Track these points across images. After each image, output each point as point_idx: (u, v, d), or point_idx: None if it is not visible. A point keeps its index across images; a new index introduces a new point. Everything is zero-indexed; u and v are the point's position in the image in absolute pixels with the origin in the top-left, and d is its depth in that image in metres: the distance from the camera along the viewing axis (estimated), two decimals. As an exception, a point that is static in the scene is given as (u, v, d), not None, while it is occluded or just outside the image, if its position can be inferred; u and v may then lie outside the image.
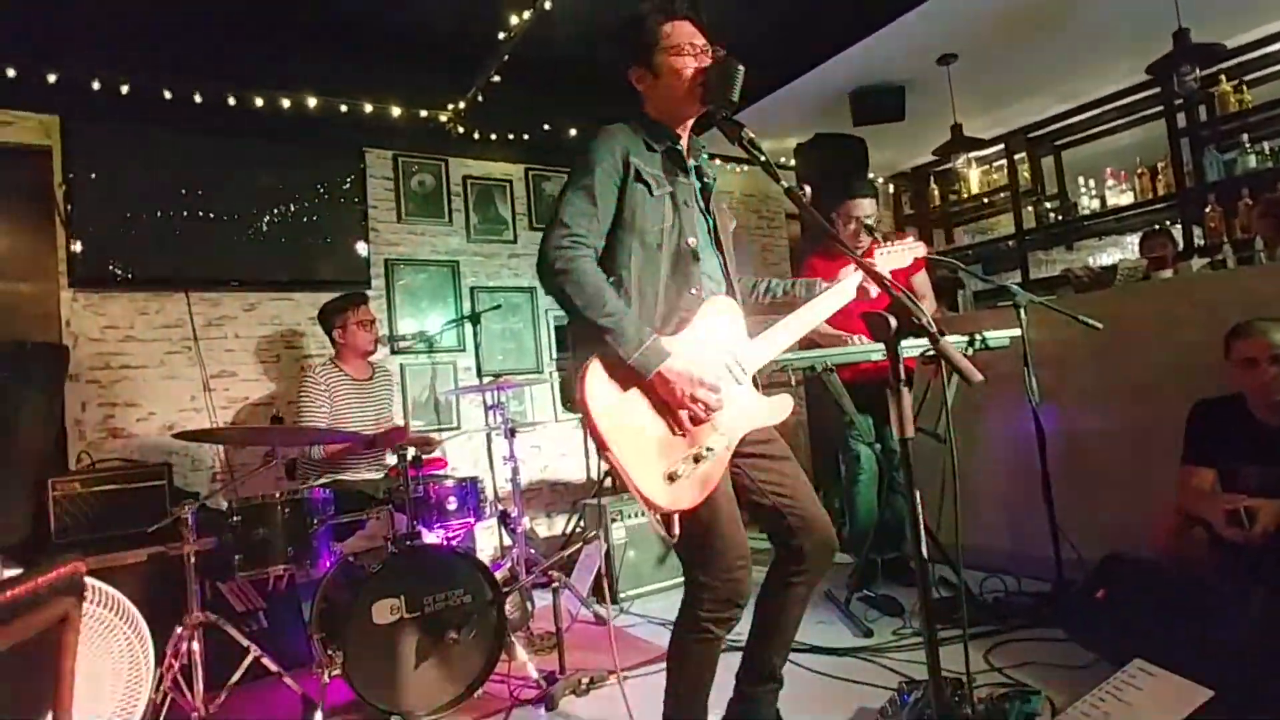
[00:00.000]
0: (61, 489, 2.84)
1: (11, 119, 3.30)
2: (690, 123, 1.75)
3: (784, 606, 1.76)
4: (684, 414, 1.51)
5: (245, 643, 2.35)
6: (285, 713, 2.41)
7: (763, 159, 1.53)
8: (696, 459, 1.52)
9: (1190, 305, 2.72)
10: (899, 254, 2.08)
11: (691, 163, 1.75)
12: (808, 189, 1.58)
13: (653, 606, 3.28)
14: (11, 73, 3.18)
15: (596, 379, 1.49)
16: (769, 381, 1.79)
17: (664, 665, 1.69)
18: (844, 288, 1.85)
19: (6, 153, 3.31)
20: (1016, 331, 2.79)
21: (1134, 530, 2.48)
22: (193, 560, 2.30)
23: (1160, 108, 4.71)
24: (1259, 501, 2.07)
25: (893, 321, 1.28)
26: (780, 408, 1.68)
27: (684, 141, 1.75)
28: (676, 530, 1.51)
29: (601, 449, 1.48)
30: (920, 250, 2.13)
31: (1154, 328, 2.81)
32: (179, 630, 2.27)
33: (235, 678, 2.34)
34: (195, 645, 2.23)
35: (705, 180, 1.78)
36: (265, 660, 2.35)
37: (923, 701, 1.93)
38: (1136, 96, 4.82)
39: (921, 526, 1.28)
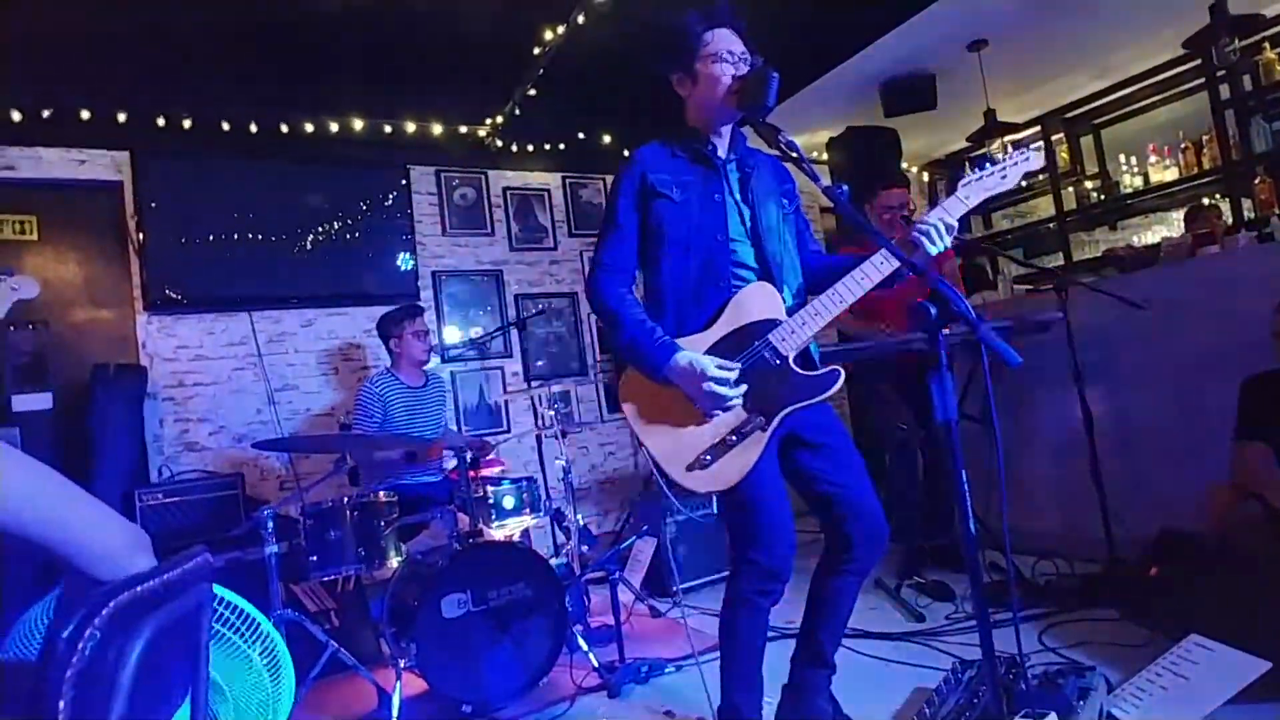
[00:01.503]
0: (147, 500, 3.05)
1: (86, 157, 3.54)
2: (728, 129, 1.83)
3: (835, 593, 1.80)
4: (701, 405, 1.63)
5: (323, 639, 2.49)
6: (362, 704, 2.55)
7: (801, 160, 1.59)
8: (727, 444, 1.63)
9: (1238, 280, 2.69)
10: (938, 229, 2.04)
11: (732, 156, 1.82)
12: (845, 188, 1.61)
13: (704, 599, 3.36)
14: (86, 115, 3.41)
15: (629, 385, 1.72)
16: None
17: (719, 653, 1.77)
18: (882, 257, 1.74)
19: (83, 189, 3.56)
20: (1059, 314, 2.80)
21: (1186, 508, 2.47)
22: (273, 561, 2.46)
23: (1202, 80, 4.60)
24: None
25: (933, 310, 1.34)
26: (828, 380, 1.68)
27: (724, 140, 1.82)
28: (715, 508, 1.65)
29: (640, 445, 1.67)
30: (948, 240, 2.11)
31: (1201, 304, 2.78)
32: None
33: (315, 672, 2.50)
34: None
35: (746, 170, 1.83)
36: (342, 655, 2.49)
37: (977, 679, 1.97)
38: (1176, 70, 4.72)
39: (969, 507, 1.33)
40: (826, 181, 1.58)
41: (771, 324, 1.71)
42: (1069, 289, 2.80)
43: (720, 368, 1.63)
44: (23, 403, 3.17)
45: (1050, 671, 1.94)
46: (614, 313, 1.72)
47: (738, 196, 1.80)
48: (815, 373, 1.70)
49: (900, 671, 2.34)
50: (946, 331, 1.36)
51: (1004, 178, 1.83)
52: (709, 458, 1.60)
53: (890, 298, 2.42)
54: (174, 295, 3.56)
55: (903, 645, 2.54)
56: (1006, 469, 3.37)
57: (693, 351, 1.65)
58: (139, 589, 0.85)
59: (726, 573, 1.80)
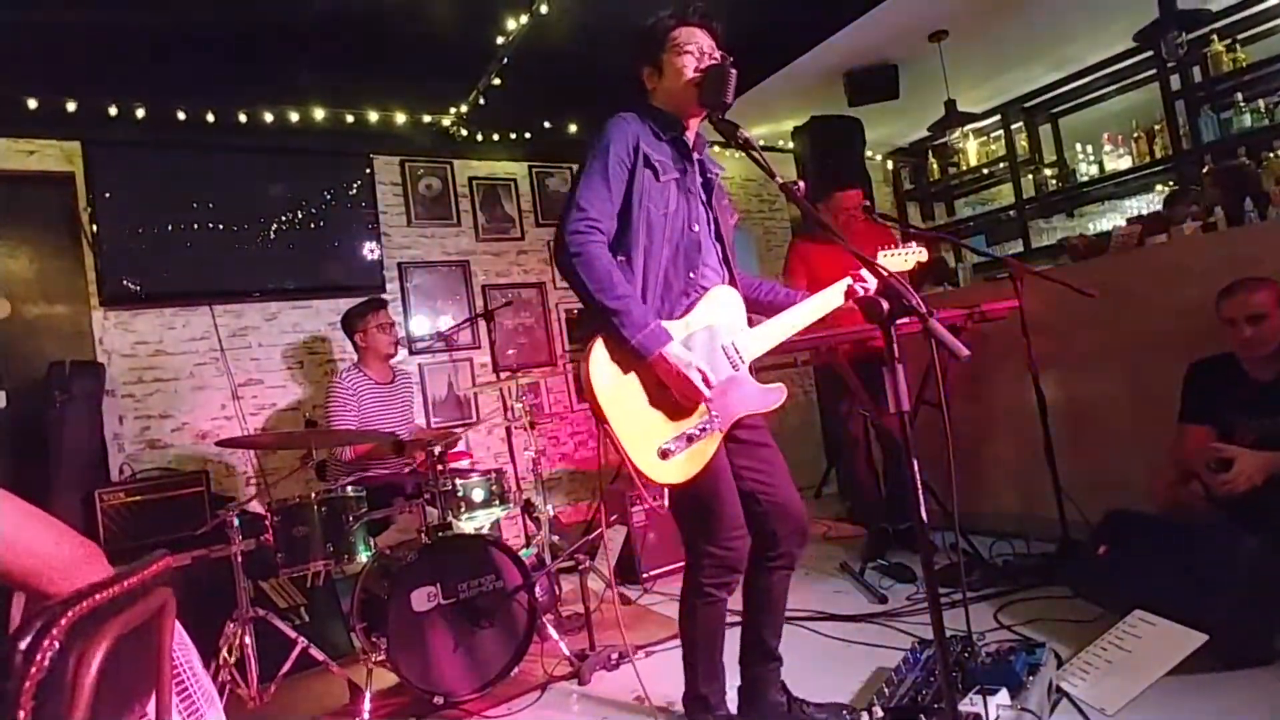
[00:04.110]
0: (108, 500, 2.99)
1: (35, 148, 3.44)
2: (696, 122, 1.84)
3: (768, 589, 1.86)
4: (679, 396, 1.62)
5: (293, 635, 2.49)
6: (334, 699, 2.55)
7: (758, 157, 1.62)
8: (690, 438, 1.64)
9: (1183, 269, 2.79)
10: (900, 259, 2.20)
11: (696, 157, 1.84)
12: (801, 184, 1.65)
13: (674, 585, 3.41)
14: (33, 104, 3.30)
15: (600, 358, 1.62)
16: (774, 364, 1.89)
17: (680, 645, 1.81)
18: (834, 290, 1.90)
19: (33, 181, 3.45)
20: (1014, 302, 2.88)
21: (1136, 489, 2.57)
22: (239, 560, 2.44)
23: (1153, 71, 4.73)
24: (1235, 449, 2.17)
25: (885, 304, 1.38)
26: (775, 395, 1.77)
27: (690, 136, 1.84)
28: (667, 502, 1.65)
29: (600, 423, 1.60)
30: (922, 256, 2.26)
31: (1150, 292, 2.88)
32: (230, 626, 2.42)
33: (286, 669, 2.50)
34: (248, 639, 2.38)
35: (708, 176, 1.87)
36: (312, 651, 2.49)
37: (934, 658, 2.04)
38: (1129, 62, 4.85)
39: (920, 494, 1.38)
40: (783, 178, 1.61)
41: (737, 330, 1.76)
42: (1024, 277, 2.88)
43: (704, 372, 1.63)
44: (-27, 401, 3.08)
45: (1002, 649, 2.01)
46: (605, 272, 1.58)
47: (704, 198, 1.82)
48: (766, 386, 1.77)
49: (861, 652, 2.41)
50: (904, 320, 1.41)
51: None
52: (672, 448, 1.61)
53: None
54: (131, 289, 3.48)
55: (865, 627, 2.61)
56: (966, 452, 3.48)
57: (678, 345, 1.63)
58: (97, 596, 0.85)
59: (655, 504, 1.85)
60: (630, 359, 1.61)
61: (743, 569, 1.74)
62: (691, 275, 1.74)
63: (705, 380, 1.60)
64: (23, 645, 0.74)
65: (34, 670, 0.74)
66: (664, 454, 1.60)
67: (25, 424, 3.15)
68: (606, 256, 1.62)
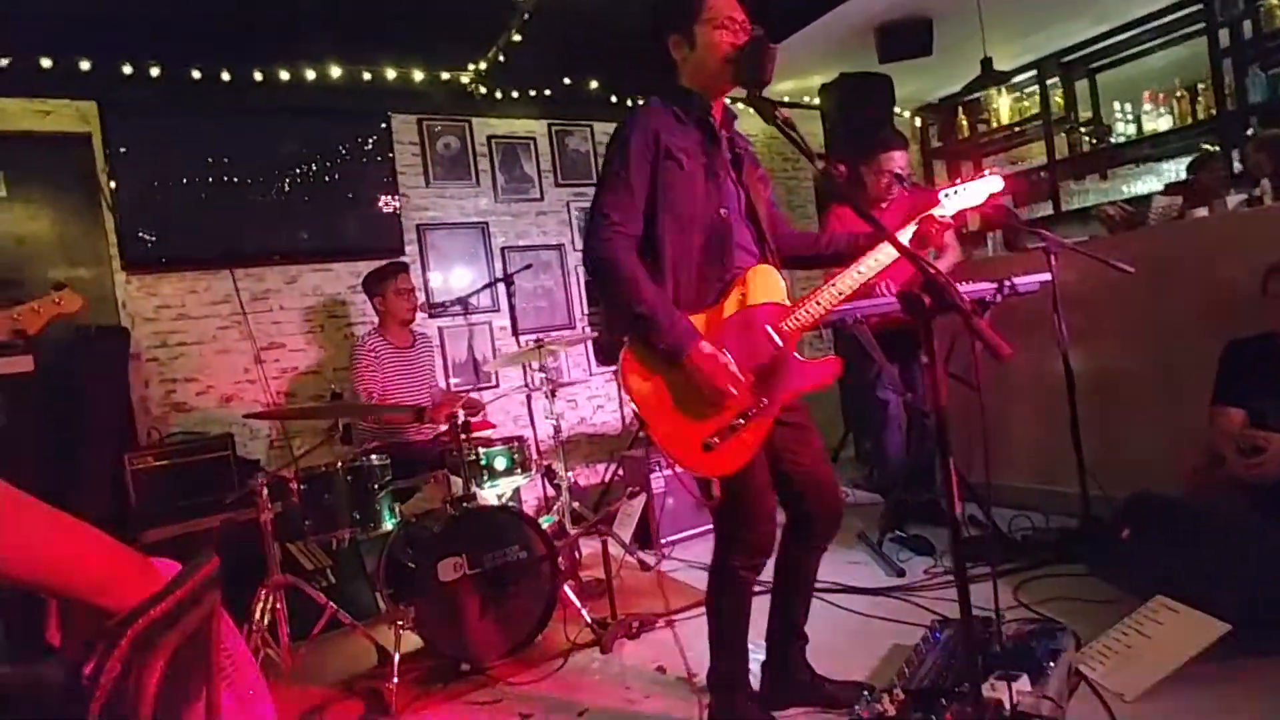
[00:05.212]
0: (137, 464, 3.05)
1: (50, 108, 3.39)
2: (724, 97, 1.78)
3: (799, 567, 1.88)
4: (709, 395, 1.60)
5: (322, 601, 2.56)
6: (362, 660, 2.63)
7: (797, 138, 1.55)
8: (732, 429, 1.63)
9: (1225, 244, 2.71)
10: (970, 193, 1.85)
11: (724, 134, 1.79)
12: (842, 168, 1.58)
13: (694, 550, 3.46)
14: (46, 63, 3.25)
15: (633, 362, 1.62)
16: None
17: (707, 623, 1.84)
18: (888, 249, 1.76)
19: (49, 141, 3.42)
20: (1046, 276, 2.81)
21: (1162, 469, 2.55)
22: (270, 529, 2.50)
23: (1202, 25, 4.51)
24: (1269, 434, 2.13)
25: (926, 299, 1.34)
26: (827, 368, 1.73)
27: (716, 113, 1.78)
28: (716, 493, 1.64)
29: (644, 425, 1.61)
30: (998, 184, 1.86)
31: (1188, 267, 2.81)
32: (262, 591, 2.48)
33: (316, 631, 2.58)
34: (279, 605, 2.45)
35: (737, 151, 1.82)
36: (341, 615, 2.57)
37: (954, 639, 2.07)
38: (1176, 15, 4.62)
39: (954, 486, 1.36)
40: (821, 159, 1.55)
41: (777, 309, 1.72)
42: (1058, 252, 2.80)
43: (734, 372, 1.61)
44: (4, 365, 3.11)
45: (1023, 631, 2.03)
46: (631, 279, 1.59)
47: (734, 175, 1.77)
48: (815, 361, 1.74)
49: (879, 627, 2.44)
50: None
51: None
52: (717, 440, 1.60)
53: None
54: (152, 252, 3.48)
55: (883, 600, 2.64)
56: (987, 423, 3.44)
57: (707, 345, 1.60)
58: (154, 613, 0.87)
59: (710, 526, 1.86)
60: (662, 359, 1.61)
61: (772, 551, 1.75)
62: (725, 261, 1.70)
63: (735, 380, 1.59)
64: (88, 671, 0.76)
65: (99, 694, 0.76)
66: (708, 447, 1.60)
67: (53, 388, 3.19)
68: (633, 260, 1.61)
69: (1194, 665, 1.83)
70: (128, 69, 3.39)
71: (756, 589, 1.81)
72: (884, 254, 1.76)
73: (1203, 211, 2.80)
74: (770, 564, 1.84)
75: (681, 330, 1.57)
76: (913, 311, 1.37)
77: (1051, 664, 1.84)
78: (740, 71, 1.66)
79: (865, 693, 1.92)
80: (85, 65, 3.31)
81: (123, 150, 3.42)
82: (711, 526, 1.85)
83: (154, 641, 0.86)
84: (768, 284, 1.74)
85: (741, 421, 1.62)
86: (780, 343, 1.70)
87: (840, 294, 1.73)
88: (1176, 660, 1.85)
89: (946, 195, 1.86)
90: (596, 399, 4.75)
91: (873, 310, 2.73)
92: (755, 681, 1.92)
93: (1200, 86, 4.58)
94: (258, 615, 2.47)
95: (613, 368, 4.63)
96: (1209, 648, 1.84)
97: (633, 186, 1.64)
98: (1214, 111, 4.48)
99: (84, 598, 0.89)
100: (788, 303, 1.74)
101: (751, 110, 1.69)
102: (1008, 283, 2.79)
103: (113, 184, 3.41)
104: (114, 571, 0.91)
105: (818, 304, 1.73)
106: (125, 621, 0.83)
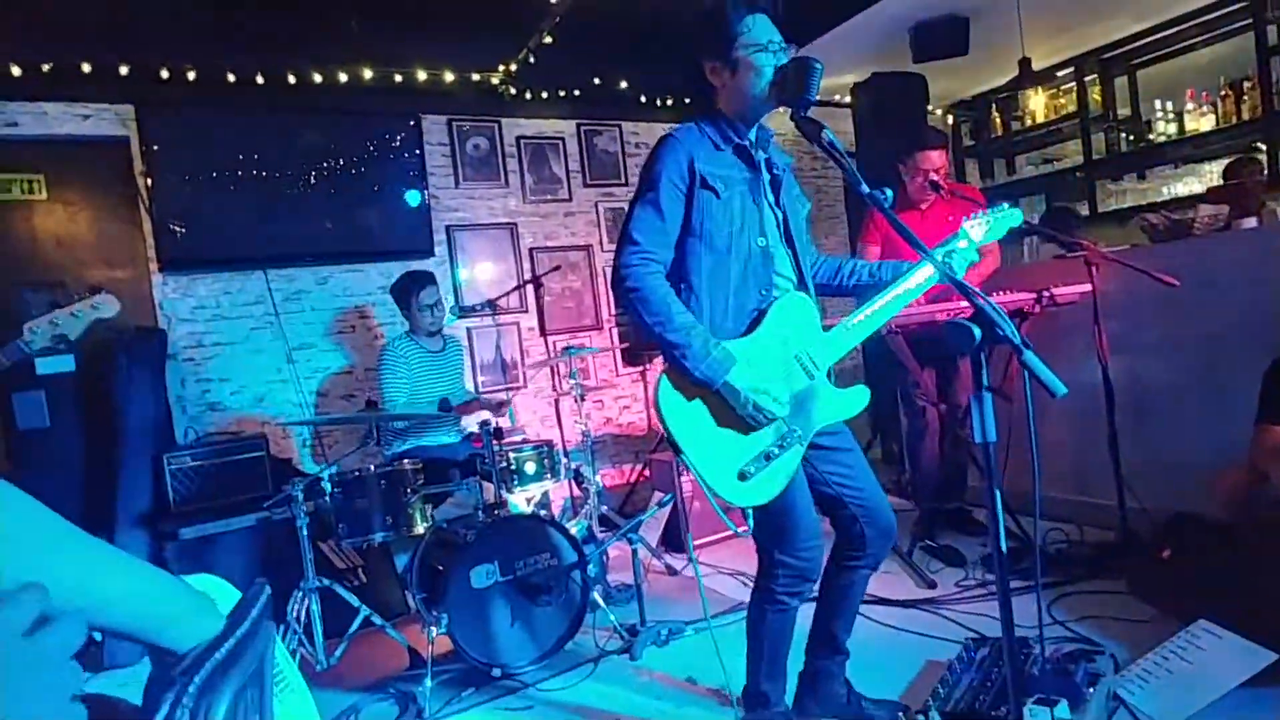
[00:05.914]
0: (175, 465, 3.11)
1: (90, 112, 3.45)
2: (764, 118, 1.76)
3: (848, 586, 1.87)
4: (750, 421, 1.60)
5: (356, 603, 2.60)
6: (394, 661, 2.67)
7: (844, 162, 1.53)
8: (768, 456, 1.62)
9: (1274, 255, 2.64)
10: (991, 225, 1.91)
11: (760, 155, 1.77)
12: (888, 192, 1.55)
13: (720, 554, 3.46)
14: (86, 68, 3.30)
15: (667, 390, 1.61)
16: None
17: (736, 613, 1.84)
18: (926, 271, 1.78)
19: (88, 144, 3.47)
20: (1087, 286, 2.76)
21: (1201, 485, 2.49)
22: (305, 533, 2.54)
23: (1249, 21, 4.38)
24: None
25: (976, 332, 1.32)
26: (856, 400, 1.74)
27: (753, 134, 1.76)
28: (750, 524, 1.65)
29: (677, 453, 1.60)
30: (1017, 219, 1.96)
31: (1234, 279, 2.74)
32: (298, 594, 2.53)
33: (351, 632, 2.62)
34: (315, 607, 2.50)
35: (775, 172, 1.80)
36: (373, 617, 2.60)
37: (990, 659, 2.05)
38: (1223, 11, 4.48)
39: (1000, 524, 1.35)
40: (867, 188, 1.52)
41: (810, 338, 1.71)
42: (1099, 263, 2.75)
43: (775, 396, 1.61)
44: (46, 366, 3.19)
45: (1061, 654, 2.01)
46: (663, 307, 1.58)
47: (771, 199, 1.75)
48: (845, 389, 1.73)
49: (911, 642, 2.42)
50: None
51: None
52: (753, 469, 1.60)
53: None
54: (189, 254, 3.53)
55: (915, 613, 2.62)
56: (1020, 429, 3.39)
57: (748, 367, 1.60)
58: (218, 655, 0.88)
59: (740, 530, 1.85)
60: (697, 387, 1.60)
61: (816, 578, 1.75)
62: (764, 292, 1.69)
63: (770, 408, 1.58)
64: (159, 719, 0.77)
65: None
66: (743, 475, 1.59)
67: (94, 387, 3.26)
68: (664, 287, 1.60)
69: (1237, 693, 1.80)
70: (164, 72, 3.43)
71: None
72: (922, 277, 1.76)
73: (1251, 222, 2.72)
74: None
75: (716, 359, 1.56)
76: (962, 344, 1.35)
77: (1091, 689, 1.82)
78: (784, 91, 1.64)
79: (900, 713, 1.92)
80: (123, 69, 3.35)
81: (159, 152, 3.47)
82: (740, 529, 1.86)
83: (218, 686, 0.88)
84: (803, 312, 1.73)
85: (778, 450, 1.62)
86: (813, 371, 1.70)
87: (874, 323, 1.74)
88: (1220, 689, 1.82)
89: (973, 223, 1.88)
90: (623, 399, 4.75)
91: (905, 321, 2.70)
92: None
93: (1246, 84, 4.45)
94: (293, 616, 2.52)
95: (639, 368, 4.62)
96: (1254, 676, 1.81)
97: (663, 213, 1.64)
98: (1259, 110, 4.35)
99: (145, 639, 0.91)
100: (821, 330, 1.74)
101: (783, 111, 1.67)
102: (1047, 293, 2.75)
103: (150, 186, 3.46)
104: (174, 611, 0.93)
105: (855, 329, 1.73)
106: (189, 670, 0.85)
